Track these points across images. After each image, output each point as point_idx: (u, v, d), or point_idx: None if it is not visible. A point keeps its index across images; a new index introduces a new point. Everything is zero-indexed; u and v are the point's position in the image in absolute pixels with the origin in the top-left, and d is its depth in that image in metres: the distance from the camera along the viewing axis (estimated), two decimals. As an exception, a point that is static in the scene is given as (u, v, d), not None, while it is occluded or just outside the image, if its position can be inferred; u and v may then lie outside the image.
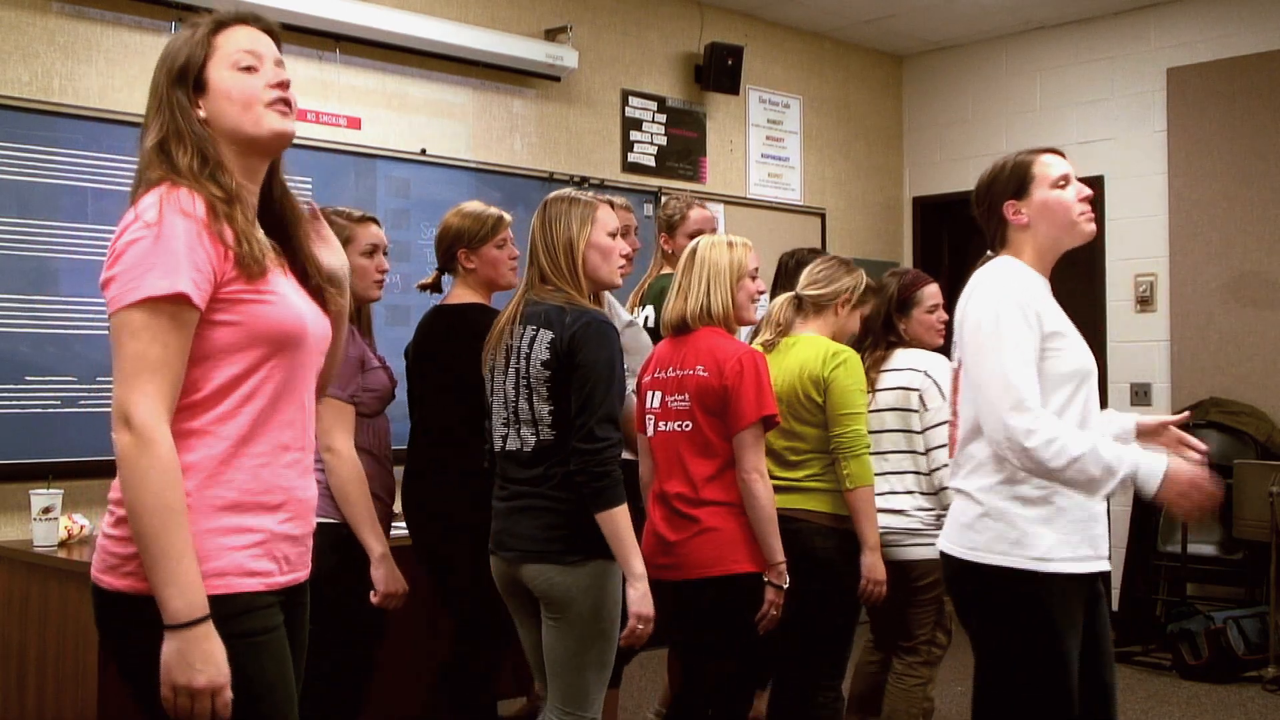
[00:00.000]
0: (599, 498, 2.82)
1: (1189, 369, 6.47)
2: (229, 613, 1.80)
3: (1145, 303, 6.67)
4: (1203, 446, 2.79)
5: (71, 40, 4.48)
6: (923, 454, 3.75)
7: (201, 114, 1.91)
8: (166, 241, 1.78)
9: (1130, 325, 6.65)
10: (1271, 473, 5.52)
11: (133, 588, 1.81)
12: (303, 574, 1.98)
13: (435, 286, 3.69)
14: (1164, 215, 6.61)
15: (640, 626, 2.85)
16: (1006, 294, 2.63)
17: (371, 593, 3.19)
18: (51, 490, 3.94)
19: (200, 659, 1.73)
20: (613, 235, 3.05)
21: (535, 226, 3.04)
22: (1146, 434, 2.92)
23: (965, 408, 2.73)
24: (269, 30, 2.01)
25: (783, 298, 3.74)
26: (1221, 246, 6.40)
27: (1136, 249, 6.69)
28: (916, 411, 3.75)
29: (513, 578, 2.98)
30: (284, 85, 1.96)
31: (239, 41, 1.95)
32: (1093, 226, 2.76)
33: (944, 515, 3.52)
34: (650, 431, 3.36)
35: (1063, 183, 2.74)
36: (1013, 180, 2.77)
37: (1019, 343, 2.57)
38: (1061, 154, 2.81)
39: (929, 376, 3.76)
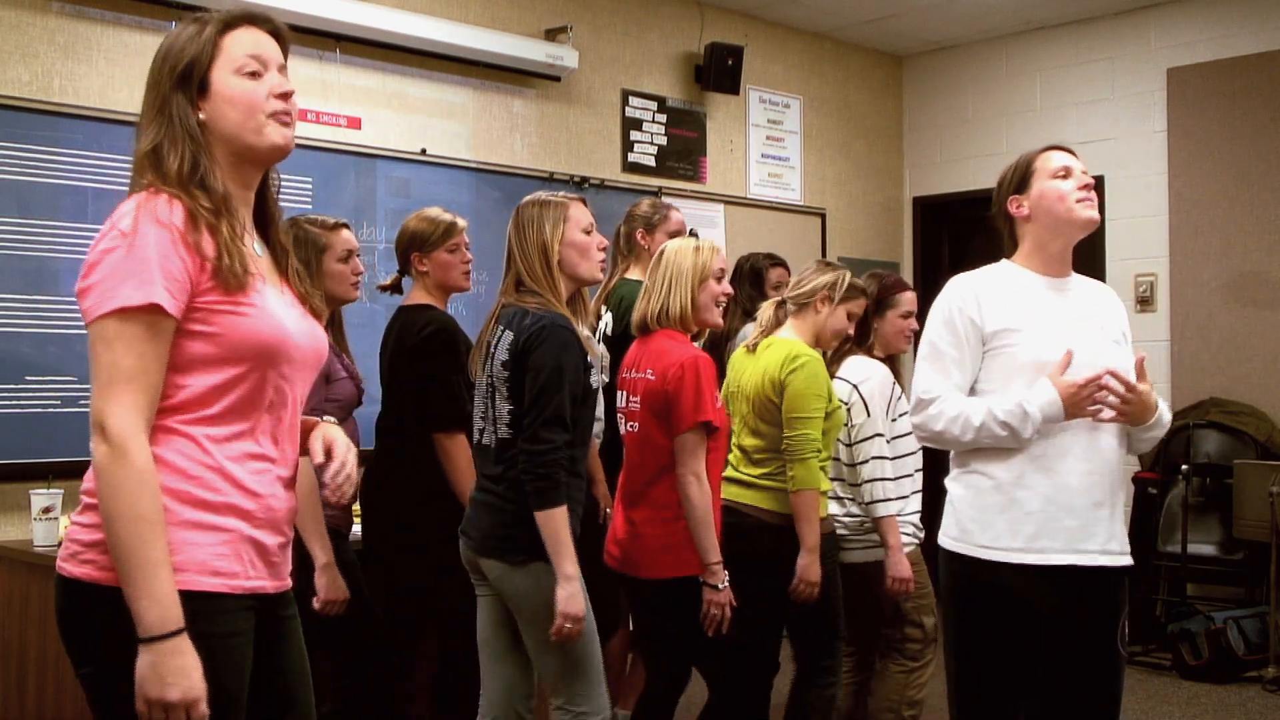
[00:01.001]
0: (538, 497, 2.87)
1: (1189, 369, 6.47)
2: (186, 610, 1.75)
3: (1145, 303, 6.68)
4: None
5: (72, 40, 4.48)
6: (847, 465, 3.79)
7: (201, 116, 1.88)
8: (140, 251, 1.76)
9: (1130, 325, 6.63)
10: (1271, 473, 5.52)
11: (88, 576, 1.78)
12: (274, 584, 1.92)
13: (395, 288, 3.81)
14: (1164, 215, 6.61)
15: (568, 625, 2.87)
16: (936, 307, 2.83)
17: (314, 599, 3.23)
18: (52, 490, 3.94)
19: (173, 673, 1.70)
20: (587, 231, 3.09)
21: (510, 232, 3.10)
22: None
23: None
24: (276, 33, 1.97)
25: (770, 302, 3.80)
26: (1222, 246, 6.40)
27: (1136, 249, 6.70)
28: (846, 425, 3.78)
29: (475, 565, 3.08)
30: (286, 96, 1.93)
31: (245, 45, 1.91)
32: (1092, 212, 2.78)
33: (868, 524, 3.78)
34: (622, 430, 3.47)
35: (1062, 174, 2.79)
36: (1017, 175, 2.85)
37: (936, 354, 2.78)
38: (1069, 150, 2.85)
39: (858, 391, 3.80)
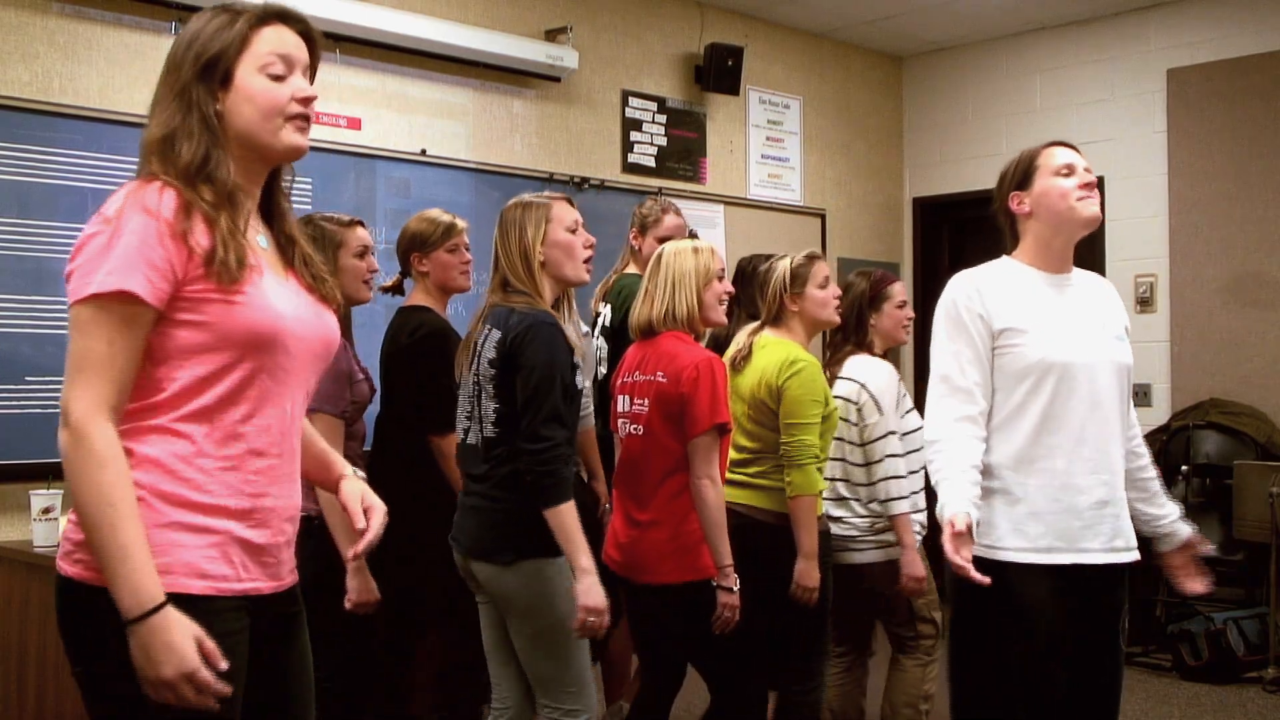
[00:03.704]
0: (544, 495, 2.86)
1: (1189, 370, 6.47)
2: None
3: (1145, 303, 6.68)
4: (1210, 547, 2.98)
5: (71, 40, 4.48)
6: (858, 465, 3.78)
7: (218, 108, 1.86)
8: (121, 238, 1.74)
9: (1130, 326, 6.63)
10: (1271, 473, 5.52)
11: (79, 575, 1.78)
12: (270, 584, 1.89)
13: (397, 289, 3.83)
14: (1164, 216, 6.61)
15: (590, 619, 2.87)
16: (942, 306, 2.80)
17: (346, 599, 3.24)
18: (51, 490, 3.94)
19: (160, 650, 1.68)
20: (572, 230, 3.08)
21: (496, 234, 3.10)
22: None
23: None
24: (307, 35, 1.94)
25: (746, 329, 3.76)
26: (1222, 247, 6.40)
27: (1137, 249, 6.69)
28: (854, 424, 3.77)
29: (468, 570, 3.07)
30: (308, 101, 1.90)
31: (273, 43, 1.88)
32: (1094, 210, 2.78)
33: (881, 524, 3.75)
34: (621, 433, 3.42)
35: (1065, 171, 2.78)
36: (1019, 172, 2.84)
37: (951, 354, 2.75)
38: (1073, 147, 2.84)
39: (866, 390, 3.79)
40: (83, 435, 1.71)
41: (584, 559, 2.86)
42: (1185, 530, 2.92)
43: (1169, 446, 6.08)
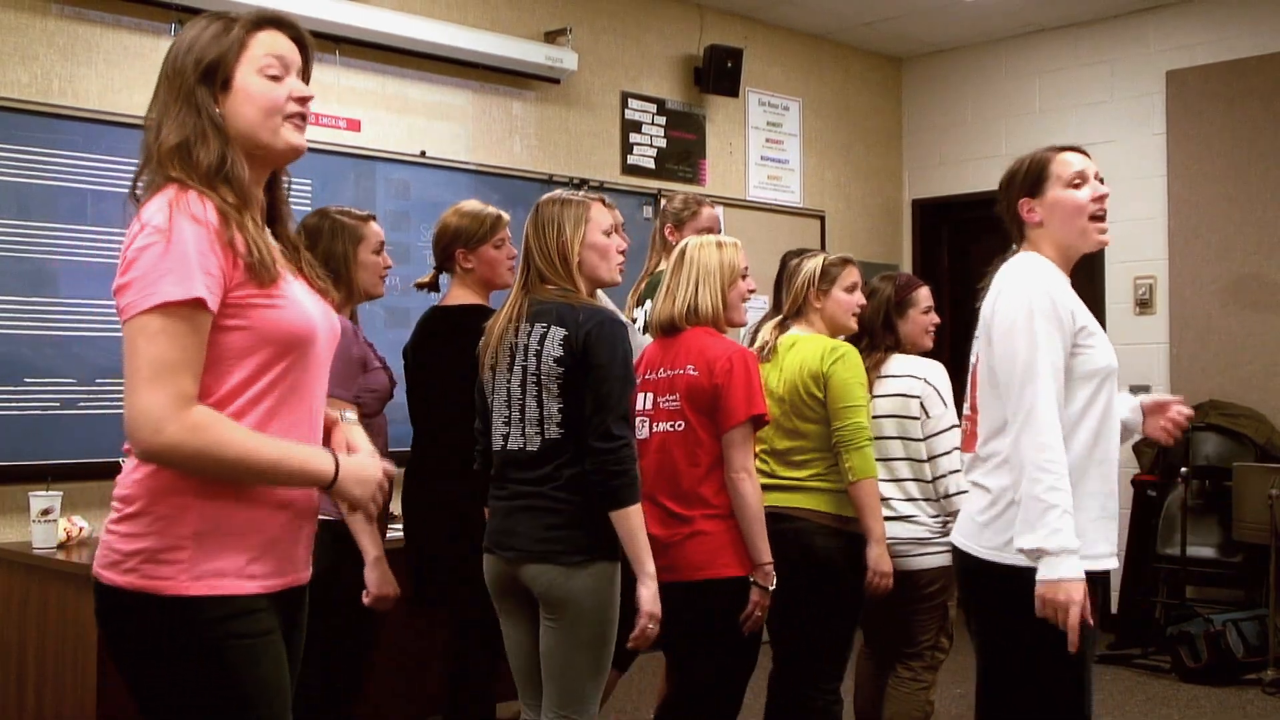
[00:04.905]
0: (615, 496, 2.81)
1: (1188, 371, 6.47)
2: (225, 614, 1.82)
3: (1145, 305, 6.68)
4: (1188, 411, 2.81)
5: (71, 42, 4.48)
6: (923, 461, 3.71)
7: (219, 111, 1.90)
8: (178, 246, 1.77)
9: (1129, 328, 6.65)
10: (1271, 475, 5.52)
11: (132, 585, 1.81)
12: (302, 576, 1.99)
13: (433, 286, 3.70)
14: (1163, 218, 6.61)
15: (651, 626, 2.85)
16: (1027, 298, 2.60)
17: (364, 593, 3.18)
18: (51, 492, 3.94)
19: (355, 484, 1.93)
20: (607, 233, 3.03)
21: (529, 230, 3.01)
22: (1150, 413, 2.91)
23: (988, 404, 2.70)
24: (299, 39, 2.00)
25: (771, 323, 3.72)
26: (1221, 249, 6.40)
27: (1136, 251, 6.69)
28: (917, 419, 3.71)
29: (511, 577, 2.95)
30: (304, 101, 1.96)
31: (268, 46, 1.94)
32: (1103, 238, 2.74)
33: (950, 522, 3.53)
34: (644, 433, 3.30)
35: (1078, 181, 2.72)
36: (1029, 177, 2.76)
37: (1051, 355, 2.55)
38: (1084, 152, 2.78)
39: (929, 384, 3.73)
40: (195, 425, 1.76)
41: (650, 564, 2.82)
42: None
43: (1168, 448, 6.08)
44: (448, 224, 3.56)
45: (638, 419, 3.32)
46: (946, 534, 3.61)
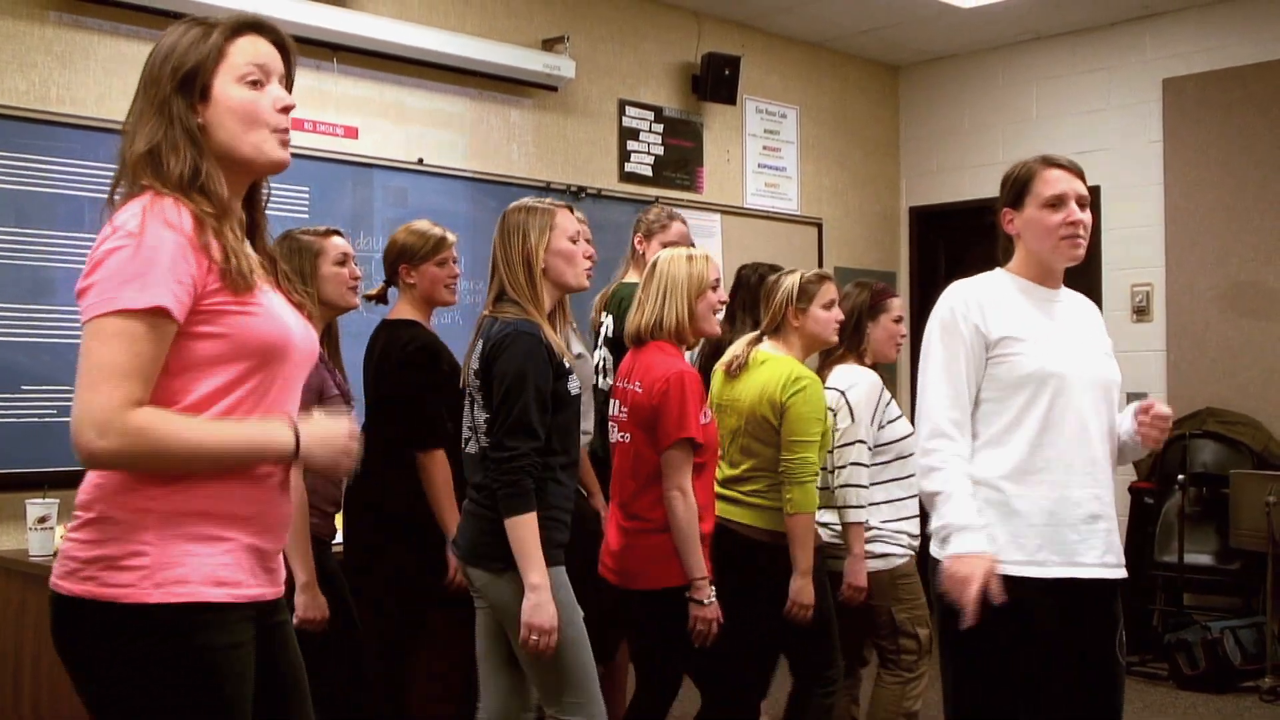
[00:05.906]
0: (504, 504, 2.86)
1: (1185, 379, 6.47)
2: (191, 622, 1.75)
3: (1142, 313, 6.68)
4: (1167, 410, 2.82)
5: (69, 49, 4.49)
6: (829, 470, 3.78)
7: (199, 121, 1.86)
8: (148, 252, 1.73)
9: (1127, 335, 6.65)
10: (1268, 483, 5.52)
11: (89, 593, 1.75)
12: (272, 590, 1.92)
13: (381, 298, 3.83)
14: (1160, 225, 6.62)
15: (534, 637, 2.84)
16: (936, 315, 2.80)
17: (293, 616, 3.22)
18: (47, 500, 3.93)
19: (319, 444, 1.87)
20: (573, 239, 3.07)
21: (495, 239, 3.06)
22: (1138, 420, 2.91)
23: None
24: (281, 44, 1.95)
25: (744, 339, 3.75)
26: (1218, 256, 6.41)
27: (1133, 259, 6.70)
28: (832, 430, 3.77)
29: (467, 574, 3.09)
30: (287, 110, 1.91)
31: (248, 54, 1.89)
32: (1078, 252, 2.78)
33: (874, 535, 3.76)
34: (614, 438, 3.45)
35: (1055, 203, 2.75)
36: (1015, 187, 2.82)
37: (946, 361, 2.74)
38: (1073, 170, 2.80)
39: (844, 397, 3.80)
40: (138, 429, 1.71)
41: (535, 575, 2.83)
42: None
43: (1166, 456, 6.09)
44: (395, 240, 3.72)
45: (610, 425, 3.48)
46: (840, 542, 3.79)
